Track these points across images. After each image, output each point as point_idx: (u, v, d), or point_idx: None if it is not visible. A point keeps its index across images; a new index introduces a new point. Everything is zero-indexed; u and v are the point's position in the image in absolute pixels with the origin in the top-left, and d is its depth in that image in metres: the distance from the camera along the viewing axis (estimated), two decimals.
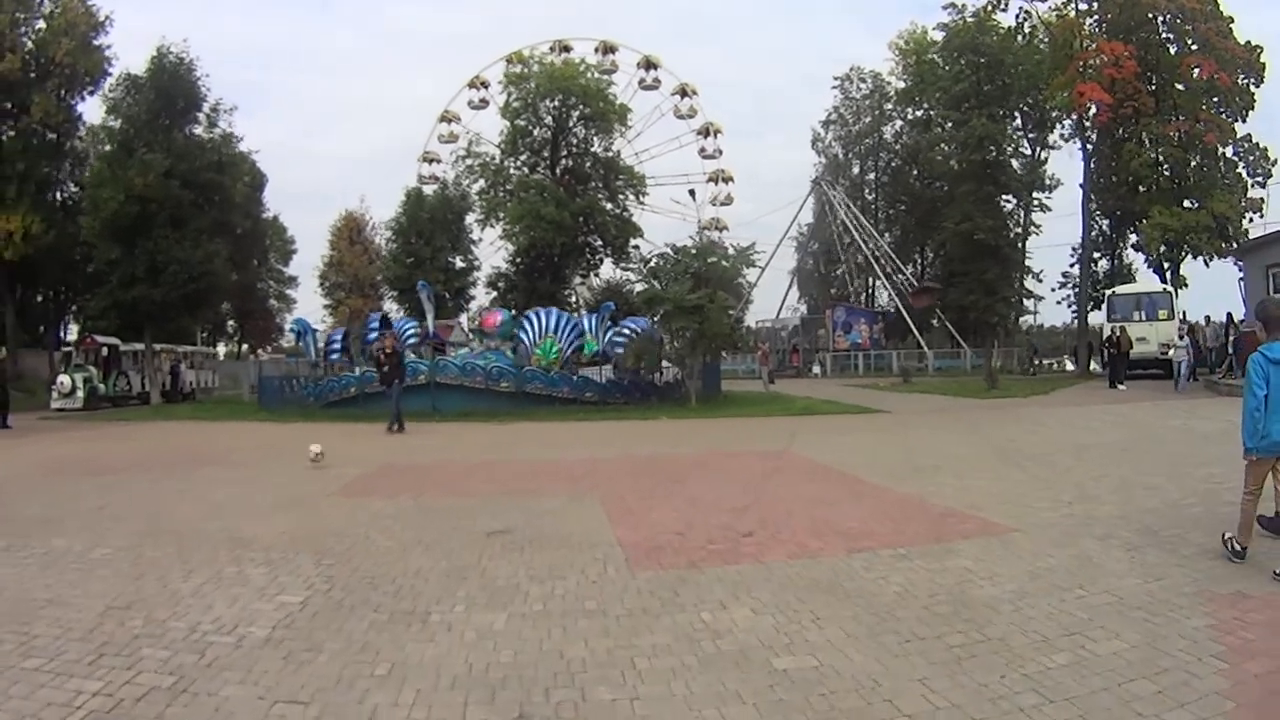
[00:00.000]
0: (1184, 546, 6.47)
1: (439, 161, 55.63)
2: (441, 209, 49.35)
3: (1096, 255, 50.68)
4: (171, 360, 37.54)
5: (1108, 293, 34.15)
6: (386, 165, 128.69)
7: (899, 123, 59.34)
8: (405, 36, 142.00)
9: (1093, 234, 50.07)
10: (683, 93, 57.80)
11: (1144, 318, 30.96)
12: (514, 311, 31.58)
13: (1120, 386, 27.06)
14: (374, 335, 25.49)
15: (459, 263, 50.39)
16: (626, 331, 25.65)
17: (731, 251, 26.04)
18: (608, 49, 56.82)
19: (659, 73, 57.58)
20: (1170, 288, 32.69)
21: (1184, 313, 26.45)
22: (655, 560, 6.64)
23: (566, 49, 53.50)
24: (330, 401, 25.25)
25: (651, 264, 26.61)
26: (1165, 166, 36.92)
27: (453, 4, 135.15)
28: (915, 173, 58.45)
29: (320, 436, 14.61)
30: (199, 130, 34.96)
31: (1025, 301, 45.85)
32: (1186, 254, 36.14)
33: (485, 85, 55.26)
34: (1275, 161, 39.18)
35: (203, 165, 33.28)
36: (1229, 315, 28.06)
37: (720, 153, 58.04)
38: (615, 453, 14.42)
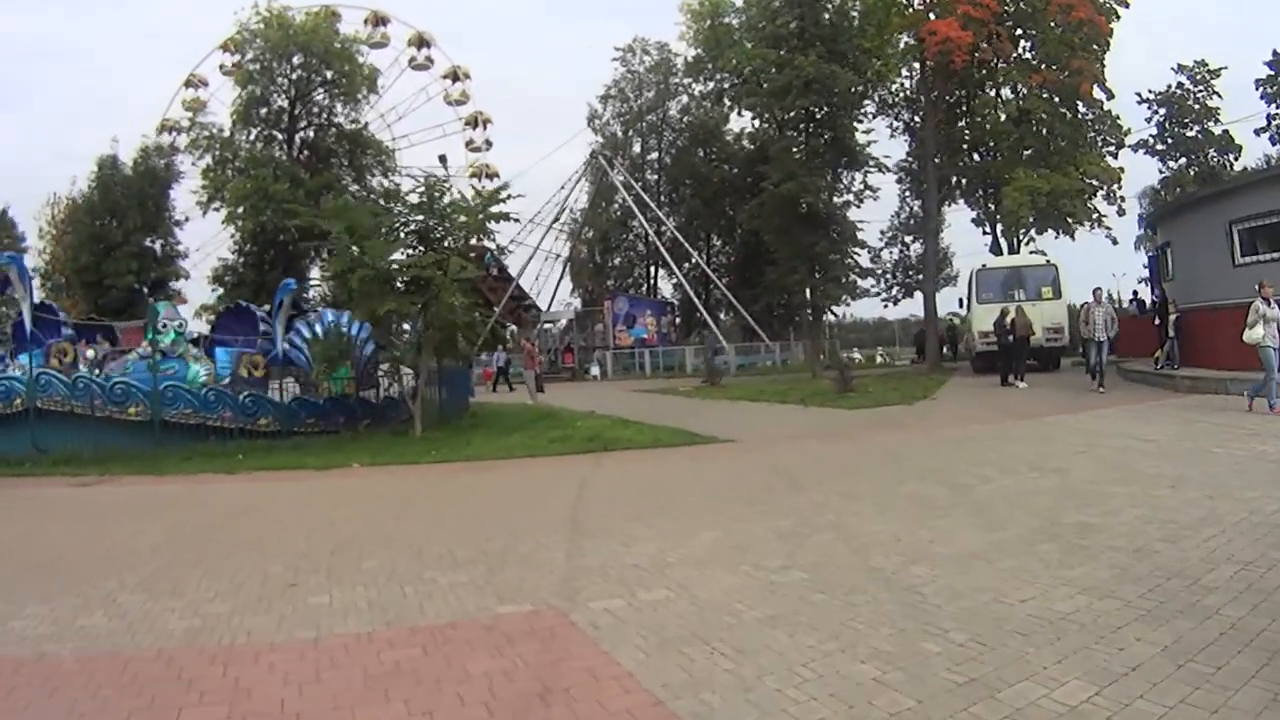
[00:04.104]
0: None
1: (180, 131, 45.84)
2: (139, 182, 39.20)
3: (908, 239, 45.66)
4: None
5: (973, 269, 27.25)
6: None
7: (685, 98, 52.97)
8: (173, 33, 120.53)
9: (903, 216, 45.57)
10: (454, 76, 51.21)
11: (1023, 297, 24.19)
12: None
13: (1020, 384, 20.51)
14: None
15: (159, 248, 40.41)
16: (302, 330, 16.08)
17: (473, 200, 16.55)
18: (379, 20, 49.07)
19: (432, 52, 50.67)
20: (1054, 260, 26.16)
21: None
22: None
23: (334, 15, 44.48)
24: None
25: (345, 209, 16.34)
26: (1032, 122, 30.63)
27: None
28: (702, 153, 52.78)
29: None
30: None
31: (861, 281, 38.12)
32: (1058, 223, 29.96)
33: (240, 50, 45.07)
34: (1128, 131, 34.69)
35: None
36: (1161, 292, 21.46)
37: (489, 145, 51.71)
38: (107, 626, 5.23)
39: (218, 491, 10.93)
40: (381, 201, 16.81)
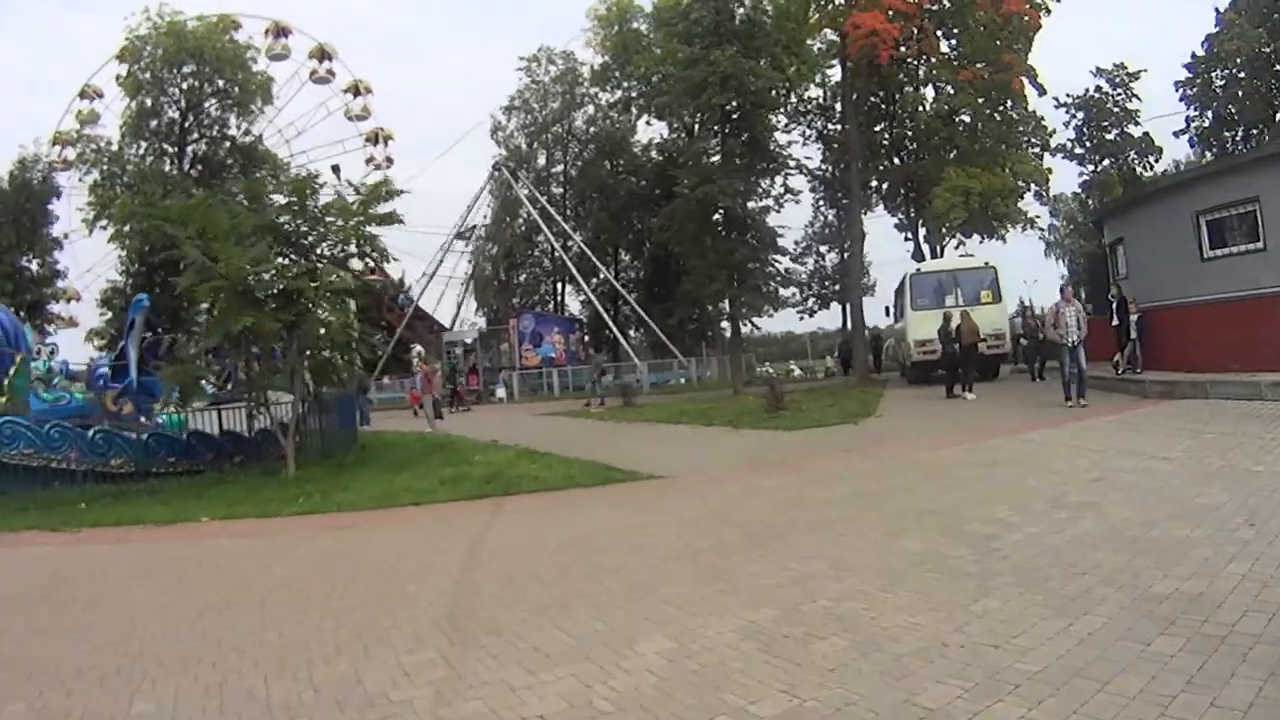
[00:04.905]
0: None
1: (72, 144, 42.98)
2: (14, 196, 37.37)
3: (823, 248, 45.28)
4: None
5: (906, 273, 25.74)
6: None
7: (592, 108, 51.31)
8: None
9: (818, 225, 45.12)
10: (356, 90, 49.20)
11: (961, 302, 22.75)
12: None
13: (968, 395, 18.75)
14: None
15: (35, 268, 38.57)
16: None
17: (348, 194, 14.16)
18: (280, 30, 46.44)
19: (333, 65, 48.46)
20: (993, 262, 24.85)
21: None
22: None
23: (232, 24, 41.96)
24: None
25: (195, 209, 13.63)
26: (961, 121, 29.47)
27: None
28: (609, 165, 51.09)
29: None
30: None
31: (783, 290, 35.91)
32: (986, 226, 28.78)
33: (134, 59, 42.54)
34: (1053, 131, 34.48)
35: None
36: (1118, 289, 20.09)
37: (390, 162, 49.81)
38: None
39: (30, 560, 8.50)
40: (244, 201, 14.13)
